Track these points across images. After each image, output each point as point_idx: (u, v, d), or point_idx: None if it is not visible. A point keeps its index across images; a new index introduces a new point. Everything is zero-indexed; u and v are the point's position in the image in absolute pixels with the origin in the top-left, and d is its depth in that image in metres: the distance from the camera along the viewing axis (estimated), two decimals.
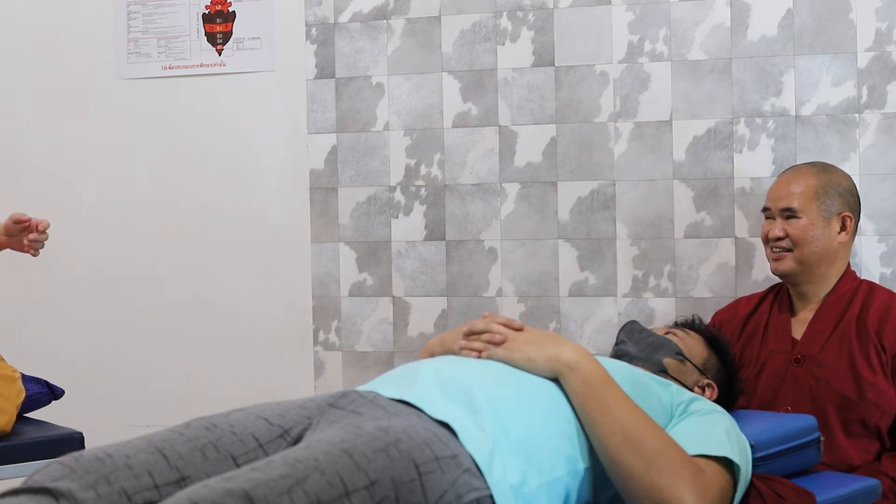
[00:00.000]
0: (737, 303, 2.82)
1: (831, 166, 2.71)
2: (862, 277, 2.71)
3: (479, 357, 1.91)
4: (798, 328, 2.63)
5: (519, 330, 1.93)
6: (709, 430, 1.87)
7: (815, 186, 2.61)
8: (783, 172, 2.73)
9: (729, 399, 2.32)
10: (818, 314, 2.60)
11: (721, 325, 2.74)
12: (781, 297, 2.71)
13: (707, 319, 2.80)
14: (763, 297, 2.76)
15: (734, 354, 2.49)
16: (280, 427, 1.66)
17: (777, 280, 2.77)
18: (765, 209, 2.70)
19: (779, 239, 2.62)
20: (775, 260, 2.64)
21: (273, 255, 3.39)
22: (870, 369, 2.49)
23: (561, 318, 3.14)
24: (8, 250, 2.75)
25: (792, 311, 2.67)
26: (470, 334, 1.96)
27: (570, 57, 3.13)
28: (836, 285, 2.63)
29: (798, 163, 2.89)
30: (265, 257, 3.39)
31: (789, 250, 2.61)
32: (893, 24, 2.90)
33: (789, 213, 2.61)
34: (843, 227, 2.62)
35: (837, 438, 2.47)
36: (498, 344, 1.90)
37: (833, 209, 2.61)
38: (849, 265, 2.66)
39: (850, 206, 2.64)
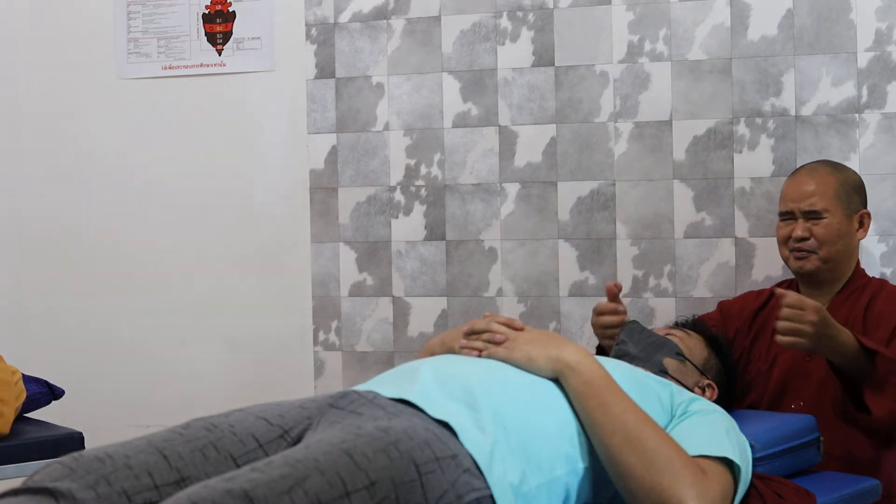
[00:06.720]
0: (746, 296, 2.77)
1: (840, 164, 2.70)
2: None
3: (480, 356, 1.91)
4: None
5: (520, 330, 1.93)
6: (709, 430, 1.87)
7: (835, 185, 2.58)
8: (795, 173, 2.69)
9: (729, 399, 2.32)
10: (829, 310, 2.58)
11: (726, 315, 2.70)
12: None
13: None
14: (773, 292, 2.74)
15: (740, 349, 2.48)
16: (280, 427, 1.66)
17: (784, 277, 2.75)
18: (784, 212, 2.63)
19: (803, 239, 2.57)
20: (798, 259, 2.59)
21: (273, 255, 3.38)
22: None
23: (561, 318, 3.14)
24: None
25: None
26: (470, 333, 1.96)
27: (570, 57, 3.13)
28: (847, 282, 2.62)
29: (798, 163, 2.89)
30: (265, 257, 3.39)
31: (813, 251, 2.57)
32: (893, 24, 2.90)
33: (814, 214, 2.56)
34: (860, 225, 2.61)
35: (847, 432, 2.47)
36: (498, 343, 1.90)
37: (853, 207, 2.59)
38: (858, 262, 2.66)
39: (865, 203, 2.64)
